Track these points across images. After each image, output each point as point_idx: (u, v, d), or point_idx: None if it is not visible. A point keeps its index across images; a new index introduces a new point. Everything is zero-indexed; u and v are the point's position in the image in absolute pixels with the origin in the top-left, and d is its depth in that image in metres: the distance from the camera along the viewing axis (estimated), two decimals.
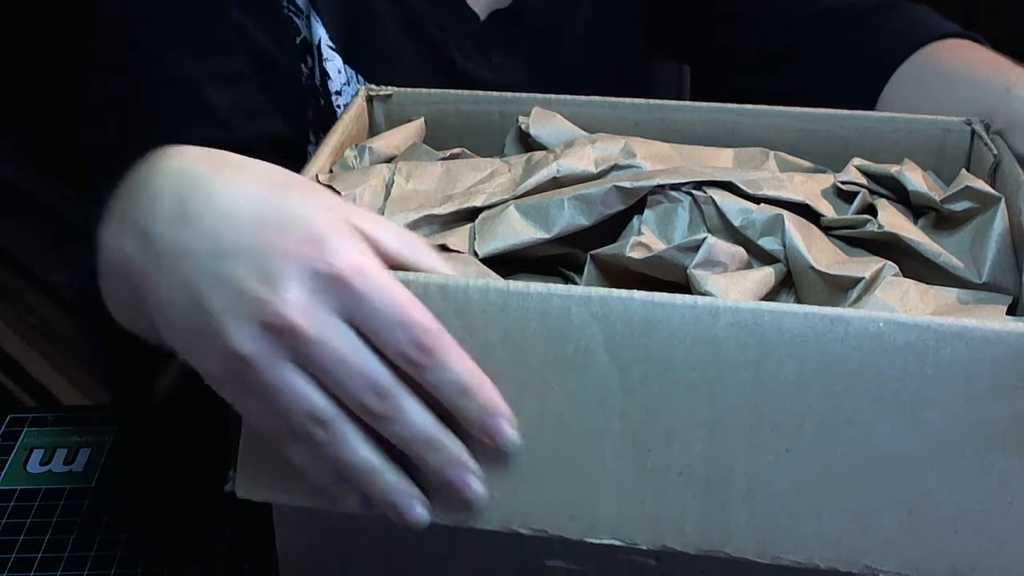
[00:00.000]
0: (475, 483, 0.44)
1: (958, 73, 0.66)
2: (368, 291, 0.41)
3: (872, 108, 0.73)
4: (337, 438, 0.43)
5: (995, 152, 0.56)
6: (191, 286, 0.43)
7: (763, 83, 0.81)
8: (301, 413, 0.43)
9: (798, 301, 0.50)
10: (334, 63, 0.75)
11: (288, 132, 0.76)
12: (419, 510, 0.44)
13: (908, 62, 0.72)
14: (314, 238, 0.42)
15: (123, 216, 0.48)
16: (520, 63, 0.80)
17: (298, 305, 0.41)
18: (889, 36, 0.74)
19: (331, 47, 0.75)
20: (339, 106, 0.76)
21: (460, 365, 0.43)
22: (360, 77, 0.76)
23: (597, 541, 0.45)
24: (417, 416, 0.43)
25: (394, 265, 0.44)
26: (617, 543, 0.45)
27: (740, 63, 0.83)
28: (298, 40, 0.75)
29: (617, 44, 0.84)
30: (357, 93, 0.63)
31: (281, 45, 0.74)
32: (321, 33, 0.74)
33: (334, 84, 0.76)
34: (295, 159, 0.78)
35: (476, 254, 0.51)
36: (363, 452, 0.43)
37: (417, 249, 0.45)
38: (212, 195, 0.44)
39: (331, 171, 0.57)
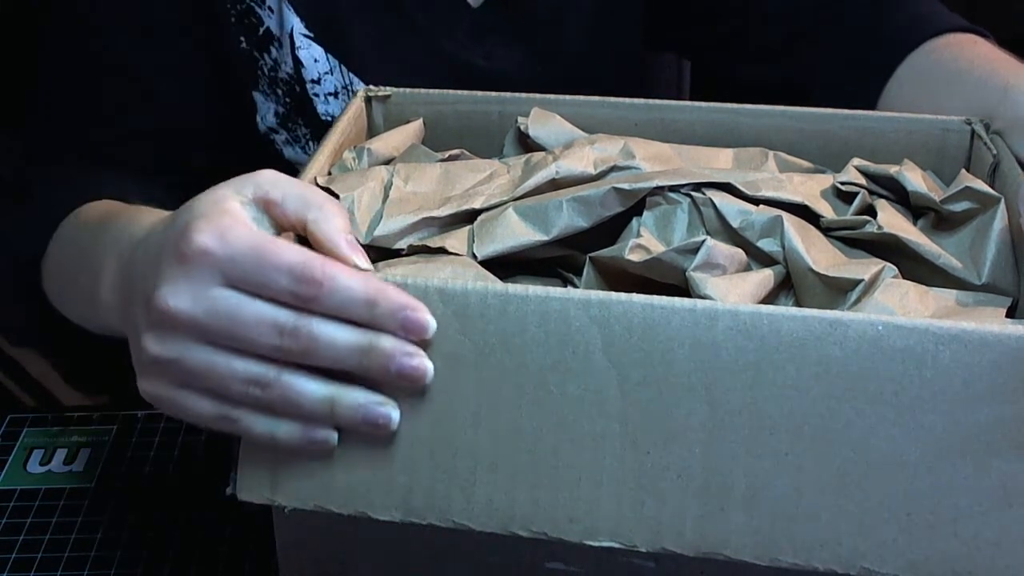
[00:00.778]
0: (426, 362, 0.45)
1: (957, 72, 0.66)
2: (232, 253, 0.44)
3: (875, 103, 0.73)
4: (282, 388, 0.45)
5: (994, 152, 0.56)
6: (131, 317, 0.48)
7: (765, 73, 0.81)
8: (236, 382, 0.45)
9: (797, 303, 0.50)
10: (309, 51, 0.75)
11: (241, 120, 0.77)
12: (391, 412, 0.45)
13: (910, 58, 0.72)
14: (183, 228, 0.45)
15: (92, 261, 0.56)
16: (516, 51, 0.79)
17: (174, 294, 0.44)
18: (892, 31, 0.74)
19: (306, 35, 0.74)
20: (316, 94, 0.76)
21: (351, 281, 0.44)
22: (344, 67, 0.76)
23: (596, 544, 0.45)
24: (336, 334, 0.44)
25: (292, 224, 0.46)
26: (616, 545, 0.45)
27: (743, 51, 0.82)
28: (261, 31, 0.74)
29: (616, 34, 0.84)
30: (336, 90, 0.63)
31: (234, 36, 0.74)
32: (294, 22, 0.74)
33: (309, 72, 0.75)
34: (248, 146, 0.78)
35: (475, 256, 0.51)
36: (312, 388, 0.45)
37: (312, 206, 0.46)
38: (142, 236, 0.50)
39: (330, 173, 0.56)
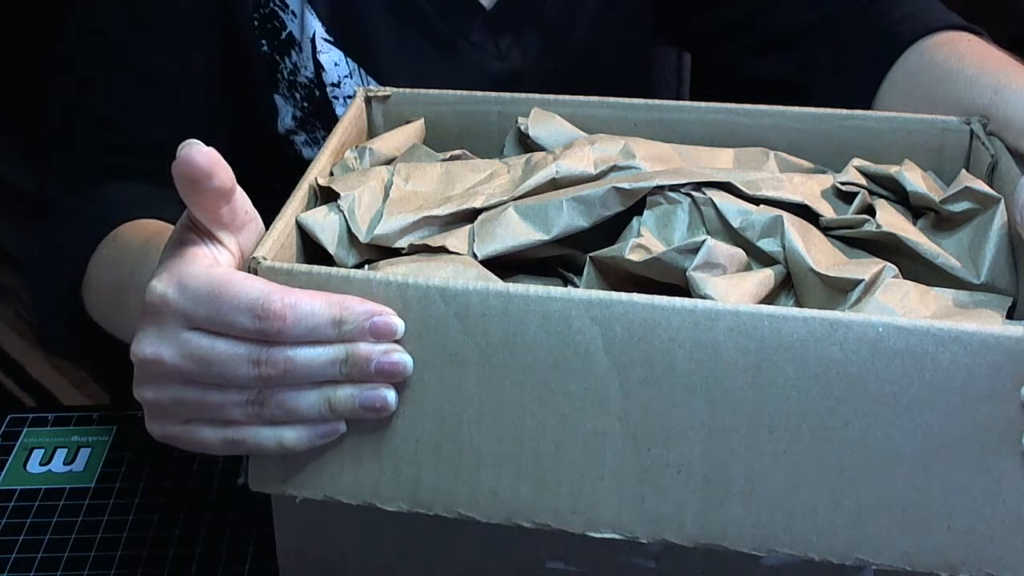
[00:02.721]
0: (403, 356, 0.45)
1: (949, 70, 0.66)
2: (191, 299, 0.44)
3: (871, 102, 0.73)
4: (278, 400, 0.45)
5: (992, 152, 0.56)
6: None
7: (763, 66, 0.81)
8: (233, 407, 0.45)
9: (798, 303, 0.50)
10: (329, 56, 0.75)
11: (260, 122, 0.77)
12: (385, 393, 0.46)
13: (904, 57, 0.72)
14: (151, 275, 0.46)
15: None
16: (530, 50, 0.79)
17: (149, 343, 0.45)
18: (888, 28, 0.74)
19: (327, 40, 0.75)
20: (336, 97, 0.77)
21: (313, 306, 0.44)
22: (362, 70, 0.76)
23: (598, 535, 0.45)
24: (311, 353, 0.45)
25: (201, 217, 0.46)
26: (617, 536, 0.45)
27: (743, 43, 0.82)
28: (283, 35, 0.75)
29: (626, 27, 0.84)
30: (355, 94, 0.63)
31: (256, 40, 0.75)
32: (316, 26, 0.74)
33: (329, 76, 0.76)
34: (266, 148, 0.79)
35: (475, 256, 0.51)
36: (305, 392, 0.45)
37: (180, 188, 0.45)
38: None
39: (331, 173, 0.57)
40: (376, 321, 0.45)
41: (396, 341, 0.45)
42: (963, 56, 0.66)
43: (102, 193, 0.70)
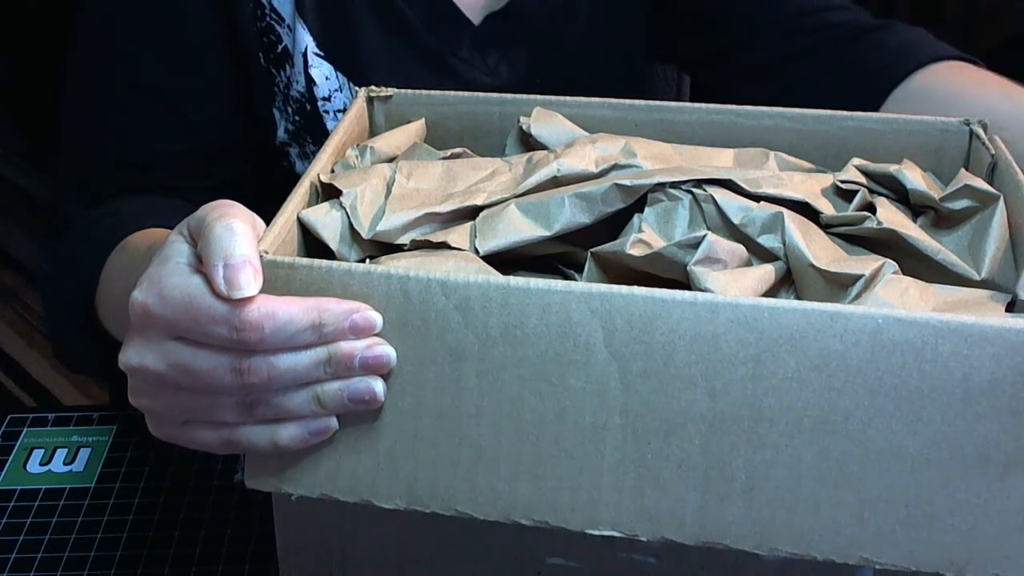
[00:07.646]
0: (386, 348, 0.45)
1: (953, 94, 0.67)
2: (170, 311, 0.44)
3: None
4: (267, 402, 0.45)
5: (992, 152, 0.56)
6: None
7: (759, 91, 0.82)
8: (225, 411, 0.45)
9: (798, 299, 0.50)
10: (320, 70, 0.76)
11: (264, 139, 0.78)
12: (372, 384, 0.45)
13: (906, 82, 0.73)
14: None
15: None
16: (519, 65, 0.80)
17: (135, 353, 0.46)
18: (889, 55, 0.75)
19: (318, 54, 0.76)
20: (326, 111, 0.77)
21: (291, 312, 0.44)
22: (352, 84, 0.77)
23: (597, 532, 0.45)
24: (293, 358, 0.45)
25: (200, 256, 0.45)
26: (616, 534, 0.45)
27: (733, 69, 0.83)
28: (279, 49, 0.75)
29: (617, 44, 0.84)
30: (356, 95, 0.64)
31: (254, 54, 0.76)
32: (308, 40, 0.75)
33: (320, 90, 0.76)
34: (266, 159, 0.79)
35: (477, 252, 0.51)
36: (294, 393, 0.45)
37: (202, 235, 0.45)
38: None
39: (333, 171, 0.57)
40: (355, 319, 0.45)
41: (377, 334, 0.45)
42: (963, 83, 0.67)
43: (115, 207, 0.71)
